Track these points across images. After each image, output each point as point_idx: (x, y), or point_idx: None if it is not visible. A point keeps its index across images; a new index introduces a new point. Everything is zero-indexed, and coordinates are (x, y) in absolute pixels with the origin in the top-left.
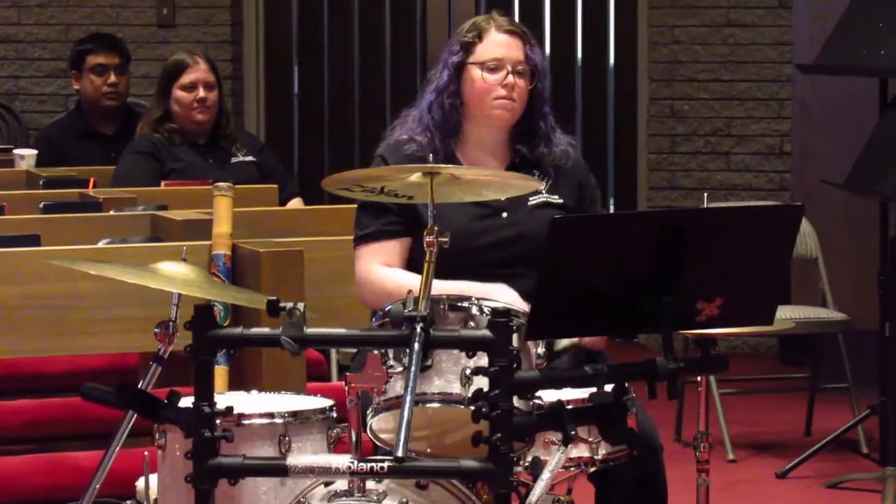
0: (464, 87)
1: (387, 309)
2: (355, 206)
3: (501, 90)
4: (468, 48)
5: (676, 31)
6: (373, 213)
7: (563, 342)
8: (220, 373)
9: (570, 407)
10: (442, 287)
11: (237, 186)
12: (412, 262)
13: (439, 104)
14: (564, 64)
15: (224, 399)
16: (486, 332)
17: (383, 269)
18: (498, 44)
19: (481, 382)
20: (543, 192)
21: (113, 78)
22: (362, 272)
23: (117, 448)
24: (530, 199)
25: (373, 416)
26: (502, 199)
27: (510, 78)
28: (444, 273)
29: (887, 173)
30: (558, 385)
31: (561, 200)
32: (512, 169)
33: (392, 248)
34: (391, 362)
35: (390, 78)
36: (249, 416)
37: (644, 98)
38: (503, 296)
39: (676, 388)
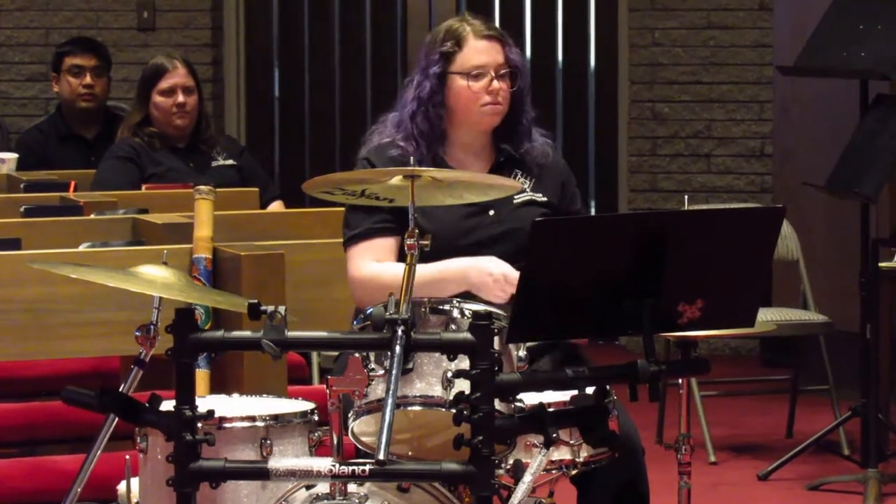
0: (448, 97)
1: (368, 312)
2: (336, 209)
3: (487, 97)
4: (449, 57)
5: (657, 34)
6: (364, 212)
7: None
8: (202, 376)
9: (551, 409)
10: (433, 267)
11: (218, 190)
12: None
13: (424, 114)
14: (545, 66)
15: (205, 402)
16: (468, 335)
17: (375, 264)
18: (478, 50)
19: (463, 385)
20: (528, 189)
21: (88, 79)
22: (354, 271)
23: (99, 452)
24: (515, 197)
25: (354, 419)
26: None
27: (495, 83)
28: None
29: (868, 175)
30: (540, 388)
31: (545, 198)
32: (497, 168)
33: (384, 246)
34: (372, 365)
35: (371, 81)
36: (231, 420)
37: (625, 100)
38: (494, 266)
39: (658, 391)
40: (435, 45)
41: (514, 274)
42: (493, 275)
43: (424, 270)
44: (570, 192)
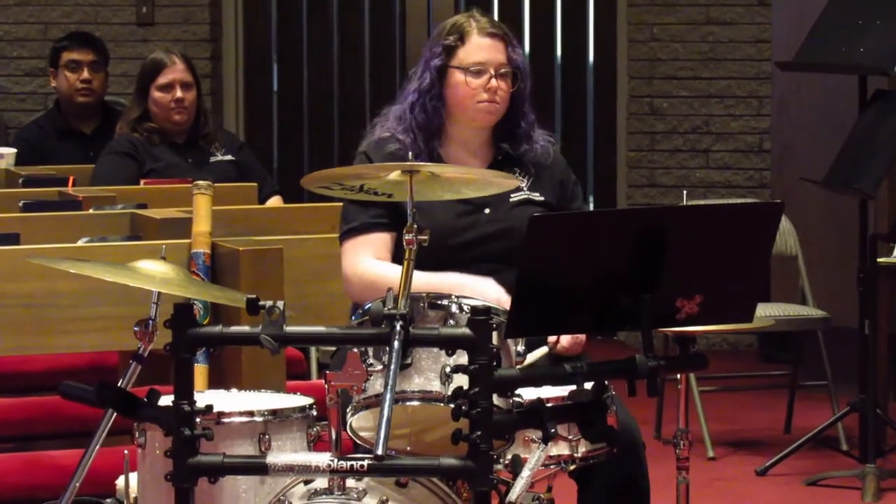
0: (447, 90)
1: (366, 307)
2: (335, 204)
3: (484, 94)
4: (450, 51)
5: (656, 29)
6: (360, 206)
7: (535, 355)
8: (200, 371)
9: (549, 405)
10: (430, 279)
11: (216, 185)
12: (398, 258)
13: (422, 106)
14: (544, 61)
15: (204, 397)
16: (466, 331)
17: (370, 260)
18: (480, 47)
19: (461, 380)
20: (525, 189)
21: (86, 74)
22: (349, 265)
23: (97, 447)
24: (512, 195)
25: (353, 415)
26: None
27: (493, 82)
28: (427, 269)
29: (866, 170)
30: (538, 383)
31: (542, 198)
32: (494, 166)
33: (379, 241)
34: (371, 360)
35: (369, 76)
36: (229, 415)
37: (623, 96)
38: (490, 290)
39: (656, 386)
40: (440, 37)
41: (508, 299)
42: (488, 298)
43: (420, 277)
44: (570, 191)
